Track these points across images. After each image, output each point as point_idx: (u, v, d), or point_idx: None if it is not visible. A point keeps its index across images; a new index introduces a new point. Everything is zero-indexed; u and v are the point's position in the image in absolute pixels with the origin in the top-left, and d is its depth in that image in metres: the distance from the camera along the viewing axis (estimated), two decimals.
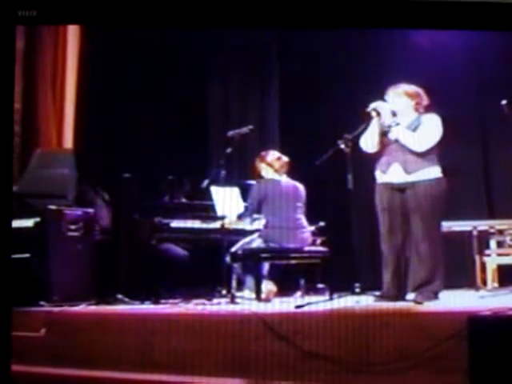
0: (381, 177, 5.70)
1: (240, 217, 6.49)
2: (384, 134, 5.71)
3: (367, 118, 5.73)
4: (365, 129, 5.74)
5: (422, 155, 5.58)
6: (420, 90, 5.76)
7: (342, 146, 5.77)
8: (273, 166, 6.57)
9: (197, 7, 4.81)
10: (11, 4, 4.61)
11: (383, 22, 4.89)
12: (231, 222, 6.44)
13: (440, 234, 5.62)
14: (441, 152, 5.68)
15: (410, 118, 5.71)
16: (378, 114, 5.70)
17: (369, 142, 5.71)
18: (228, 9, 4.82)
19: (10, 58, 4.61)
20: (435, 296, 5.49)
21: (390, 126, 5.70)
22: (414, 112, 5.73)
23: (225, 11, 4.82)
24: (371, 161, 5.79)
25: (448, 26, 4.95)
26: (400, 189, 5.62)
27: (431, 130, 5.63)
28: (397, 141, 5.66)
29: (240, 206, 6.62)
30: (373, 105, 5.72)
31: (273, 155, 6.64)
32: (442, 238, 5.63)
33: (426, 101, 5.75)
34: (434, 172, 5.60)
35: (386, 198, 5.65)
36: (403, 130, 5.65)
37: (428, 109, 5.76)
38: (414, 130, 5.63)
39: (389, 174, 5.65)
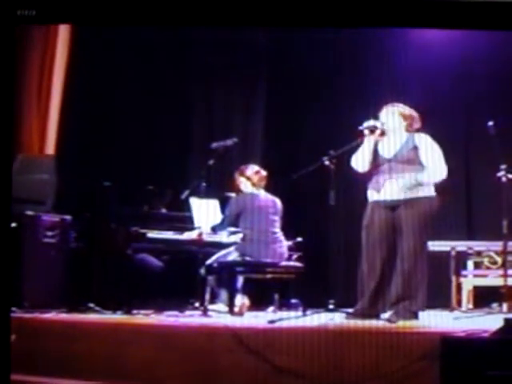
0: (373, 195, 5.63)
1: (214, 229, 6.46)
2: (376, 152, 5.66)
3: (360, 136, 5.64)
4: (356, 147, 5.67)
5: (416, 174, 5.53)
6: (414, 113, 5.71)
7: (327, 163, 5.71)
8: (251, 179, 6.54)
9: (186, 11, 4.80)
10: (10, 3, 4.58)
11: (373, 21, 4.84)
12: (203, 232, 6.38)
13: (426, 253, 5.57)
14: None
15: (401, 137, 5.65)
16: (372, 132, 5.63)
17: (360, 161, 5.64)
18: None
19: (10, 58, 4.58)
20: (415, 316, 5.45)
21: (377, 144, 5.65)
22: (404, 131, 5.68)
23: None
24: (356, 179, 5.76)
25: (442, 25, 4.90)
26: (392, 206, 5.56)
27: (439, 155, 5.59)
28: (390, 160, 5.59)
29: (218, 218, 6.59)
30: (367, 123, 5.65)
31: (252, 169, 6.62)
32: (427, 256, 5.58)
33: (418, 124, 5.71)
34: (427, 190, 5.56)
35: (376, 215, 5.57)
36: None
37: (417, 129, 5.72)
38: (411, 149, 5.58)
39: (382, 192, 5.58)
